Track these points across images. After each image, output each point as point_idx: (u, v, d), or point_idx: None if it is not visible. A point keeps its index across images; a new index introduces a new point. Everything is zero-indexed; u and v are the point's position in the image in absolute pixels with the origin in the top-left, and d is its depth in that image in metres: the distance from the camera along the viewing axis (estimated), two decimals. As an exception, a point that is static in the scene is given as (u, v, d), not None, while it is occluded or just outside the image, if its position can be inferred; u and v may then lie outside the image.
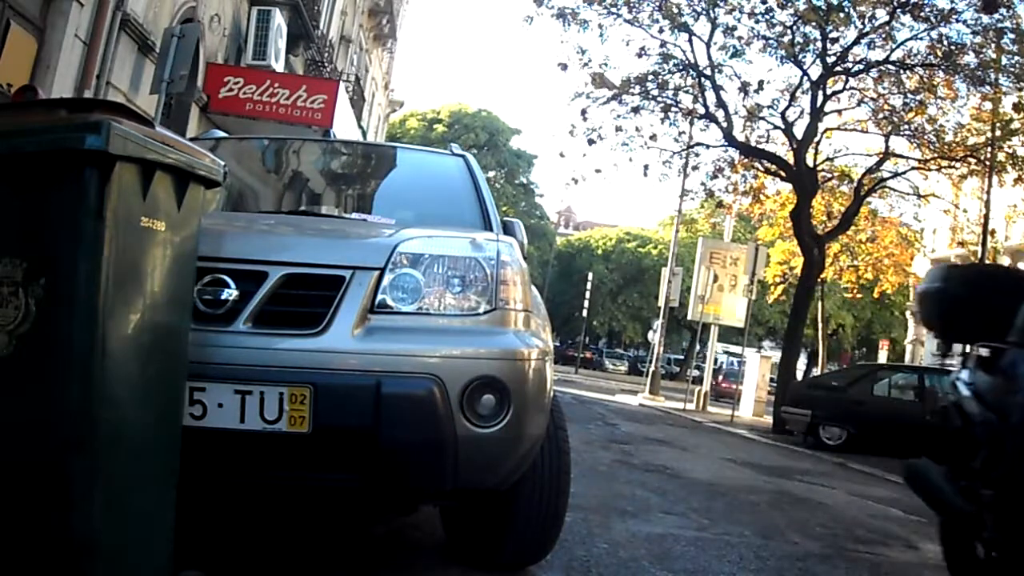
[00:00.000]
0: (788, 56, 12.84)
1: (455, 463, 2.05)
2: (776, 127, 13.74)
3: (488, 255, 2.24)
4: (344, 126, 12.19)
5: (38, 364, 1.60)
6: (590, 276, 35.56)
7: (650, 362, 20.31)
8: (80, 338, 1.59)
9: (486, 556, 2.62)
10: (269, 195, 3.61)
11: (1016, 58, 11.92)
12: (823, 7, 12.26)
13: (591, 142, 13.78)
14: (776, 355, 19.70)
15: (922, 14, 12.13)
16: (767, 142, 14.20)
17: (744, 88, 13.35)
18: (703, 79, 13.28)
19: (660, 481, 5.53)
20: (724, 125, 13.36)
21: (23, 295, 1.60)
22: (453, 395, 2.03)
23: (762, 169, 14.54)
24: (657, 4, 12.96)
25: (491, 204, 3.12)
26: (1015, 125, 12.44)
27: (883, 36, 12.53)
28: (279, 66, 12.11)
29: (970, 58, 12.23)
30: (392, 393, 1.98)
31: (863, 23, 12.42)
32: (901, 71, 12.92)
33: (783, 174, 13.85)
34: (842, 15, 12.20)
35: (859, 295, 22.63)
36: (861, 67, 12.98)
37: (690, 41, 13.21)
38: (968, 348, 2.95)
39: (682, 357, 40.84)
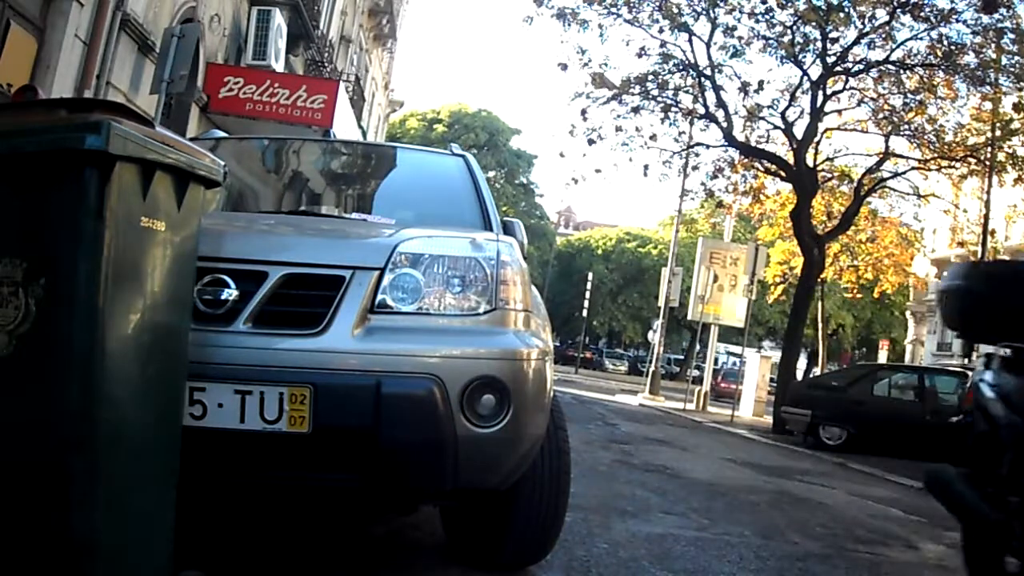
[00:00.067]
0: (788, 56, 12.85)
1: (455, 463, 2.05)
2: (776, 127, 13.76)
3: (488, 255, 2.24)
4: (344, 126, 12.19)
5: (38, 364, 1.60)
6: (590, 276, 35.57)
7: (650, 362, 20.32)
8: (80, 338, 1.59)
9: (486, 556, 2.62)
10: (269, 195, 3.61)
11: (1016, 58, 11.92)
12: (823, 7, 12.26)
13: (591, 142, 13.80)
14: (776, 355, 19.71)
15: (922, 14, 12.13)
16: (767, 142, 14.21)
17: (744, 88, 13.36)
18: (703, 79, 13.29)
19: (660, 481, 5.53)
20: (724, 125, 13.36)
21: (23, 295, 1.60)
22: (453, 395, 2.03)
23: (762, 169, 14.54)
24: (657, 4, 12.97)
25: (491, 204, 3.12)
26: (1015, 125, 12.44)
27: (883, 36, 12.53)
28: (279, 66, 12.12)
29: (970, 58, 12.24)
30: (392, 393, 1.98)
31: (863, 23, 12.43)
32: (901, 71, 12.92)
33: (783, 174, 13.85)
34: (842, 15, 12.20)
35: (859, 295, 22.64)
36: (861, 67, 12.98)
37: (690, 41, 13.23)
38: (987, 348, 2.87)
39: (682, 357, 40.85)
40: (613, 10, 13.13)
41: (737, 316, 17.90)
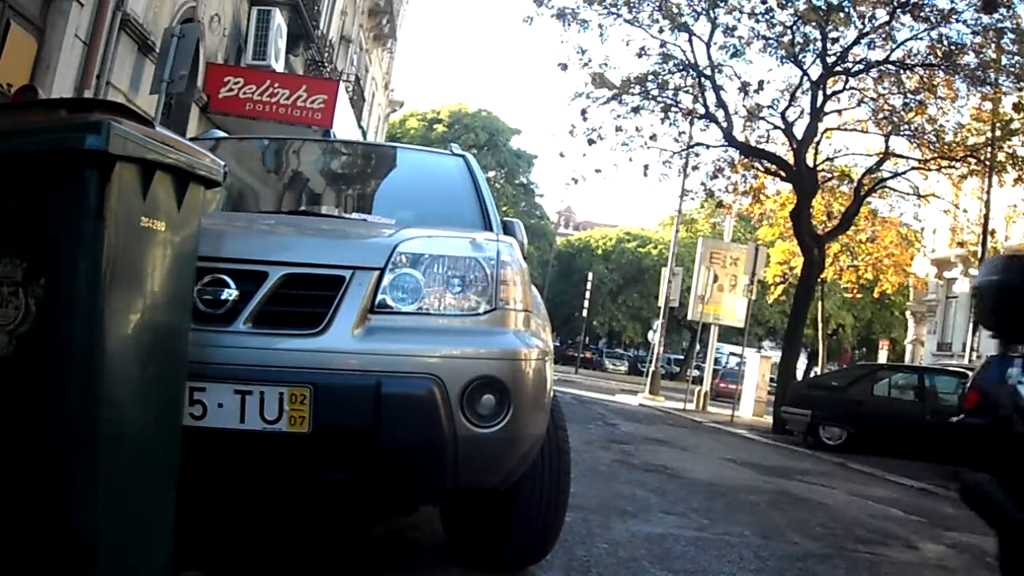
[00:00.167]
0: (788, 56, 12.85)
1: (455, 463, 2.05)
2: (776, 127, 13.76)
3: (488, 255, 2.24)
4: (344, 126, 12.19)
5: (38, 364, 1.60)
6: (590, 276, 35.58)
7: (650, 362, 20.32)
8: (80, 338, 1.59)
9: (486, 556, 2.62)
10: (269, 195, 3.61)
11: (1016, 58, 11.92)
12: (823, 7, 12.27)
13: (591, 142, 13.80)
14: (776, 355, 19.70)
15: (922, 14, 12.13)
16: (767, 142, 14.21)
17: (744, 88, 13.37)
18: (703, 79, 13.29)
19: (660, 481, 5.53)
20: (724, 125, 13.36)
21: (23, 295, 1.60)
22: (453, 395, 2.03)
23: (762, 169, 14.54)
24: (657, 4, 12.97)
25: (491, 204, 3.12)
26: (1015, 125, 12.44)
27: (883, 36, 12.53)
28: (279, 66, 12.11)
29: (970, 58, 12.24)
30: (392, 393, 1.98)
31: (863, 23, 12.43)
32: (901, 71, 12.92)
33: (783, 174, 13.85)
34: (842, 15, 12.20)
35: (859, 295, 22.65)
36: (861, 67, 12.98)
37: (690, 41, 13.24)
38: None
39: (682, 357, 40.85)
40: (613, 10, 13.13)
41: (737, 316, 17.90)
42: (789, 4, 12.45)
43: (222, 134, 3.93)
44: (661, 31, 13.20)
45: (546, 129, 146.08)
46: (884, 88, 13.33)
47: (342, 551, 2.80)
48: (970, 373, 9.85)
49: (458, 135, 37.22)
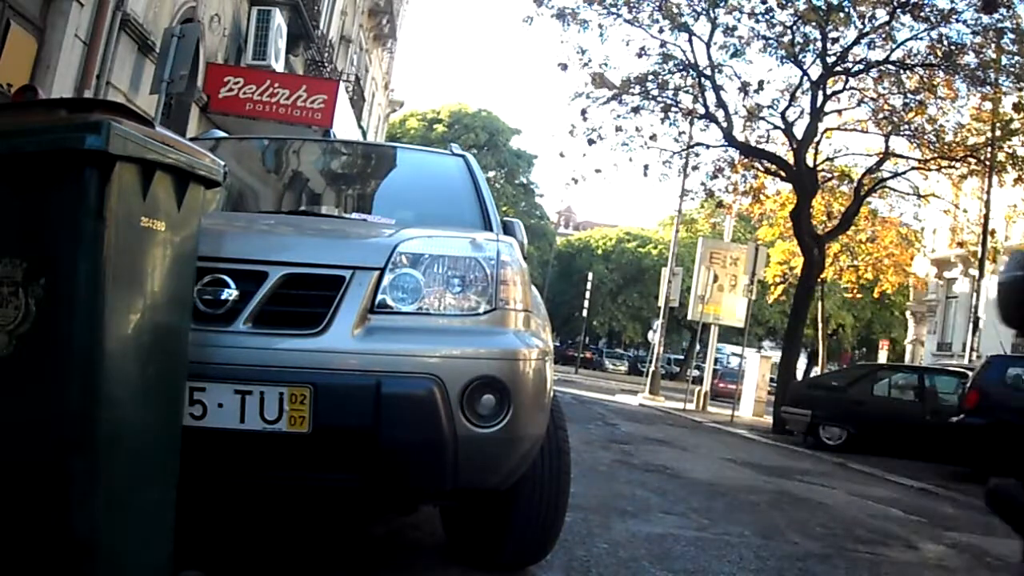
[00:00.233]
0: (788, 56, 12.85)
1: (455, 463, 2.05)
2: (776, 127, 13.76)
3: (488, 255, 2.24)
4: (344, 126, 12.19)
5: (38, 364, 1.60)
6: (590, 276, 35.58)
7: (650, 362, 20.32)
8: (80, 338, 1.59)
9: (486, 556, 2.62)
10: (269, 195, 3.61)
11: (1016, 58, 11.92)
12: (823, 7, 12.27)
13: (591, 142, 13.80)
14: (776, 355, 19.71)
15: (922, 14, 12.13)
16: (767, 142, 14.21)
17: (744, 88, 13.37)
18: (703, 79, 13.29)
19: (660, 481, 5.53)
20: (724, 125, 13.36)
21: (23, 295, 1.60)
22: (453, 395, 2.03)
23: (762, 169, 14.54)
24: (657, 4, 12.97)
25: (491, 204, 3.12)
26: (1015, 125, 12.44)
27: (883, 36, 12.54)
28: (279, 66, 12.11)
29: (970, 58, 12.24)
30: (392, 393, 1.98)
31: (863, 23, 12.43)
32: (901, 71, 12.92)
33: (783, 174, 13.86)
34: (842, 15, 12.20)
35: (859, 295, 22.65)
36: (861, 67, 12.98)
37: (690, 41, 13.24)
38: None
39: (682, 357, 40.85)
40: (613, 10, 13.14)
41: (737, 316, 17.90)
42: (789, 4, 12.45)
43: (222, 134, 3.93)
44: (661, 31, 13.22)
45: (546, 129, 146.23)
46: (884, 88, 13.34)
47: (342, 551, 2.80)
48: (970, 373, 9.87)
49: (458, 135, 37.22)
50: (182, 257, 1.83)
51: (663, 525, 3.93)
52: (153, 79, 8.42)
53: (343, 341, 2.01)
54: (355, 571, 2.60)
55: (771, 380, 16.87)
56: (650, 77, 13.40)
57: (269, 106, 10.82)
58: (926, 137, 13.31)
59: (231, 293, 2.00)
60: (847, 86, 13.44)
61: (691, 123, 14.48)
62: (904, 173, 14.49)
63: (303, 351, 1.98)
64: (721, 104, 13.35)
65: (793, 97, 13.39)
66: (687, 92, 13.77)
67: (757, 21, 12.93)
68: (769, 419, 14.10)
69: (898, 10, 12.14)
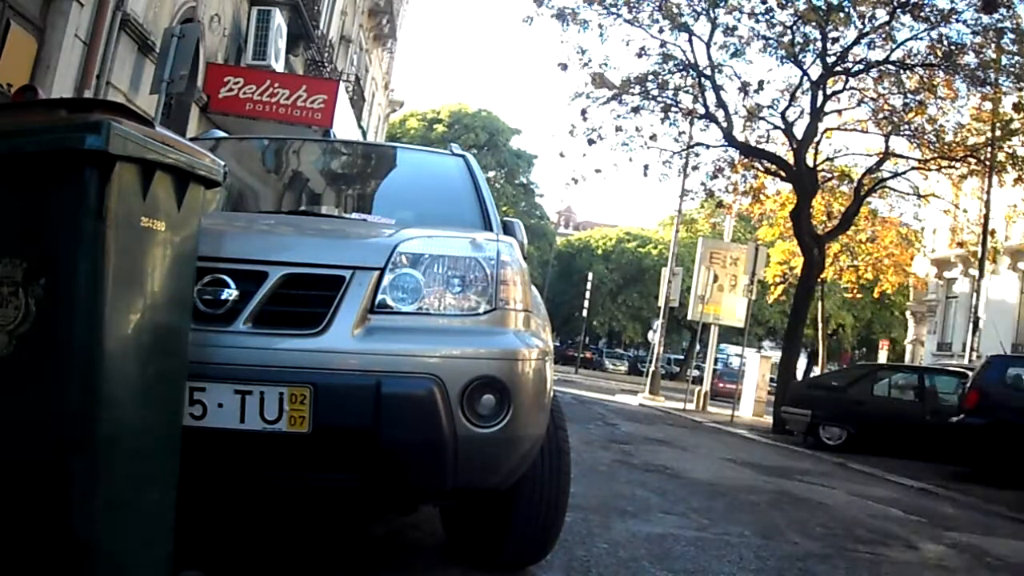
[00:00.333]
0: (788, 56, 12.85)
1: (455, 463, 2.05)
2: (776, 127, 13.76)
3: (488, 255, 2.24)
4: (344, 126, 12.19)
5: (38, 364, 1.60)
6: (590, 276, 35.58)
7: (650, 362, 20.32)
8: (80, 338, 1.59)
9: (486, 556, 2.62)
10: (269, 195, 3.61)
11: (1016, 58, 11.92)
12: (823, 7, 12.27)
13: (591, 142, 13.80)
14: (776, 355, 19.71)
15: (922, 14, 12.13)
16: (767, 142, 14.21)
17: (744, 88, 13.37)
18: (703, 79, 13.29)
19: (660, 481, 5.53)
20: (724, 125, 13.36)
21: (23, 295, 1.60)
22: (453, 395, 2.03)
23: (762, 169, 14.54)
24: (657, 4, 12.97)
25: (491, 204, 3.12)
26: (1015, 125, 12.44)
27: (883, 36, 12.54)
28: (279, 66, 12.11)
29: (970, 58, 12.24)
30: (392, 393, 1.98)
31: (863, 23, 12.43)
32: (901, 71, 12.92)
33: (783, 174, 13.86)
34: (842, 15, 12.20)
35: (859, 295, 22.65)
36: (861, 67, 12.99)
37: (690, 41, 13.24)
38: None
39: (682, 357, 40.85)
40: (613, 10, 13.14)
41: (737, 316, 17.90)
42: (789, 4, 12.45)
43: (222, 134, 3.93)
44: (661, 31, 13.22)
45: (546, 129, 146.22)
46: (884, 88, 13.34)
47: (342, 551, 2.80)
48: (970, 373, 9.87)
49: (458, 135, 37.22)
50: (182, 257, 1.83)
51: (663, 525, 3.93)
52: (153, 79, 8.42)
53: (343, 341, 2.01)
54: (355, 571, 2.60)
55: (771, 380, 16.88)
56: (650, 77, 13.41)
57: (269, 106, 10.82)
58: (926, 137, 13.31)
59: (231, 293, 2.00)
60: (847, 86, 13.46)
61: (691, 123, 14.50)
62: (904, 173, 14.50)
63: (303, 351, 1.98)
64: (721, 104, 13.36)
65: (793, 97, 13.40)
66: (687, 92, 13.78)
67: (757, 21, 12.95)
68: (769, 419, 14.10)
69: (898, 10, 12.14)
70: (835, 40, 12.79)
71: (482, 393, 2.07)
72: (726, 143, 13.79)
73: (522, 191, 42.18)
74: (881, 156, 13.82)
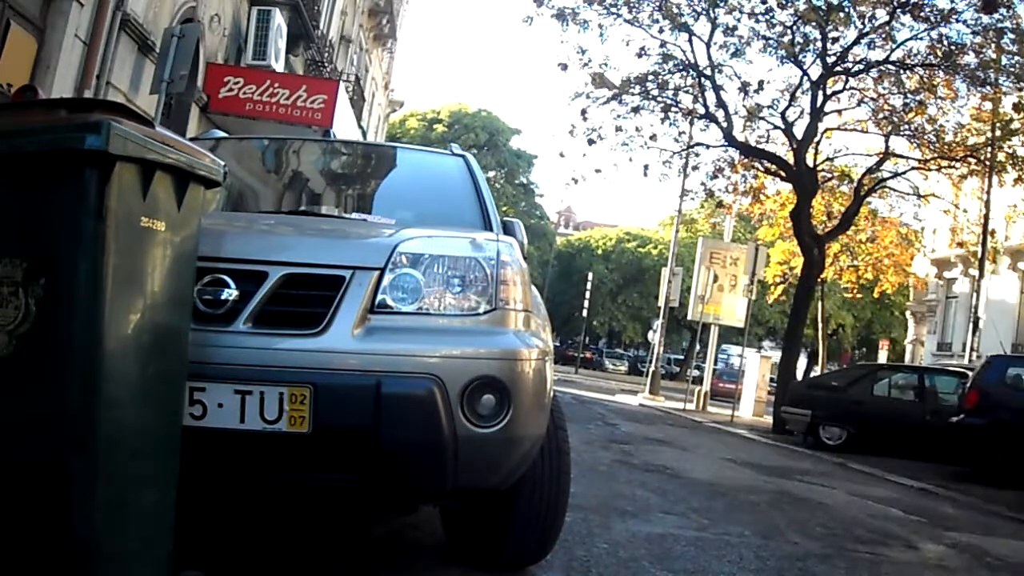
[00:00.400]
0: (788, 56, 12.85)
1: (455, 463, 2.05)
2: (776, 127, 13.76)
3: (488, 255, 2.24)
4: (344, 126, 12.19)
5: (38, 364, 1.60)
6: (590, 276, 35.58)
7: (650, 362, 20.32)
8: (80, 338, 1.59)
9: (486, 556, 2.62)
10: (269, 195, 3.61)
11: (1016, 58, 11.92)
12: (823, 7, 12.27)
13: (591, 142, 13.80)
14: (776, 355, 19.71)
15: (922, 14, 12.13)
16: (767, 142, 14.21)
17: (744, 88, 13.36)
18: (703, 79, 13.29)
19: (660, 481, 5.53)
20: (724, 125, 13.36)
21: (23, 295, 1.60)
22: (453, 395, 2.03)
23: (762, 169, 14.54)
24: (657, 4, 12.97)
25: (491, 204, 3.12)
26: (1015, 125, 12.44)
27: (883, 36, 12.53)
28: (279, 66, 12.12)
29: (970, 58, 12.24)
30: (392, 393, 1.98)
31: (863, 23, 12.43)
32: (901, 71, 12.92)
33: (783, 174, 13.86)
34: (842, 15, 12.20)
35: (859, 295, 22.65)
36: (861, 67, 12.98)
37: (690, 41, 13.24)
38: None
39: (682, 357, 40.85)
40: (613, 10, 13.14)
41: (737, 316, 17.90)
42: (789, 4, 12.45)
43: (222, 134, 3.93)
44: (661, 31, 13.22)
45: (546, 129, 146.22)
46: (884, 88, 13.34)
47: (342, 551, 2.80)
48: (970, 373, 9.87)
49: (458, 135, 37.22)
50: (182, 257, 1.83)
51: (663, 525, 3.93)
52: (153, 79, 8.42)
53: (343, 341, 2.01)
54: (355, 571, 2.60)
55: (771, 380, 16.87)
56: (650, 77, 13.41)
57: (269, 106, 10.82)
58: (926, 137, 13.32)
59: (231, 293, 2.00)
60: (847, 86, 13.46)
61: (691, 123, 14.49)
62: (904, 173, 14.50)
63: (303, 351, 1.98)
64: (721, 104, 13.36)
65: (793, 97, 13.40)
66: (687, 92, 13.78)
67: (757, 21, 12.95)
68: (769, 419, 14.10)
69: (898, 10, 12.14)
70: (835, 40, 12.81)
71: (482, 393, 2.07)
72: (726, 143, 13.79)
73: (522, 191, 42.18)
74: (881, 156, 13.82)
